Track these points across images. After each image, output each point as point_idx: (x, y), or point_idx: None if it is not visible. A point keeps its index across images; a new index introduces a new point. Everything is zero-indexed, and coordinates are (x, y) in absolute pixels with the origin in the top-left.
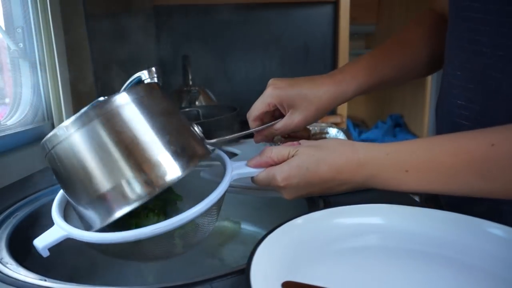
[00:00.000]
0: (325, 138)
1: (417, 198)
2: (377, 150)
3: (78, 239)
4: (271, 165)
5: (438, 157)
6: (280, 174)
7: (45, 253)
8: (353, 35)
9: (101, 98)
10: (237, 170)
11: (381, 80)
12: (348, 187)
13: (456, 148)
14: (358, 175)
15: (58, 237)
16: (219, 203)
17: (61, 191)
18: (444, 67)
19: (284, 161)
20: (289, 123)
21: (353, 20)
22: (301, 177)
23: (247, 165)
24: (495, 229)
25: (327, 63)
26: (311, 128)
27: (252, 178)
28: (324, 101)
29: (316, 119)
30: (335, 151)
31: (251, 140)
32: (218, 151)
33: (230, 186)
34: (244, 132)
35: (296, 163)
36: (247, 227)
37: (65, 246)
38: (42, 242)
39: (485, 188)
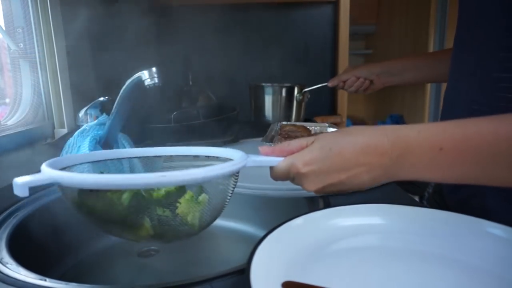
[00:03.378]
0: None
1: (416, 198)
2: (407, 128)
3: (65, 183)
4: (288, 154)
5: (474, 135)
6: (301, 158)
7: (24, 192)
8: (353, 35)
9: (101, 98)
10: (253, 157)
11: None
12: (373, 175)
13: (492, 125)
14: (386, 156)
15: (42, 178)
16: (230, 180)
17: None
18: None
19: (302, 149)
20: None
21: (353, 20)
22: (324, 159)
23: (260, 151)
24: (495, 229)
25: (327, 63)
26: (311, 128)
27: (271, 169)
28: None
29: None
30: (360, 131)
31: (251, 141)
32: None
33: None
34: None
35: (319, 145)
36: (247, 227)
37: (66, 245)
38: (23, 179)
39: None
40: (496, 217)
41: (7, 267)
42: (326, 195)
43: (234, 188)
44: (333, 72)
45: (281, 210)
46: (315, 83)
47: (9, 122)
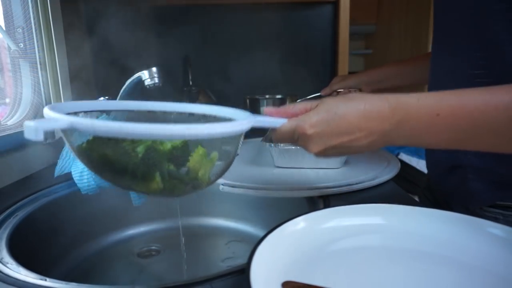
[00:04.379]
0: None
1: (416, 198)
2: (407, 96)
3: (84, 129)
4: (293, 117)
5: (468, 103)
6: (307, 120)
7: (39, 136)
8: (353, 35)
9: (101, 98)
10: (258, 117)
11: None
12: (372, 140)
13: (484, 96)
14: (387, 121)
15: (57, 122)
16: (236, 141)
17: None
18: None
19: (307, 112)
20: None
21: (353, 20)
22: (329, 122)
23: (264, 111)
24: (495, 229)
25: (327, 63)
26: None
27: (274, 130)
28: None
29: None
30: (363, 97)
31: (251, 140)
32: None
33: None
34: None
35: (325, 109)
36: (247, 227)
37: (66, 245)
38: (36, 122)
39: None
40: (480, 198)
41: (7, 267)
42: (327, 195)
43: (239, 148)
44: (333, 72)
45: (281, 210)
46: (315, 83)
47: (9, 122)
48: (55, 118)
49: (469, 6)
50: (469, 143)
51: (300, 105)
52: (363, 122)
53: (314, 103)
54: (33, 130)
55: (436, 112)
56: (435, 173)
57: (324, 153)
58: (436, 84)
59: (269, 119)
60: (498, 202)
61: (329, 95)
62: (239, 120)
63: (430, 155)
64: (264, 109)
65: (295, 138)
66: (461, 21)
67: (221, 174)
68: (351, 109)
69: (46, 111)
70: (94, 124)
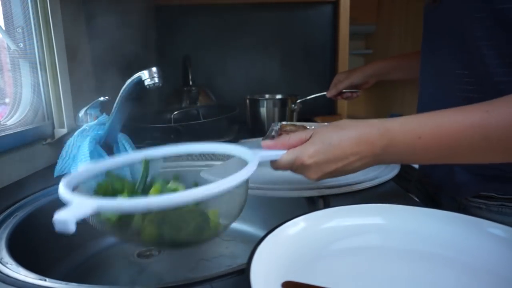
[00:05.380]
0: None
1: (416, 198)
2: (390, 121)
3: (110, 209)
4: (290, 148)
5: (445, 125)
6: (305, 152)
7: (72, 228)
8: (353, 35)
9: (101, 98)
10: (261, 153)
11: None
12: (364, 162)
13: (458, 116)
14: (377, 145)
15: (85, 209)
16: (245, 188)
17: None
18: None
19: (302, 143)
20: None
21: (353, 20)
22: (325, 152)
23: (263, 146)
24: (495, 229)
25: (327, 63)
26: (311, 128)
27: (273, 161)
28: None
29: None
30: (353, 125)
31: (251, 141)
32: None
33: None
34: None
35: (319, 140)
36: (247, 227)
37: (66, 245)
38: (65, 215)
39: (488, 150)
40: (466, 189)
41: (7, 267)
42: (327, 195)
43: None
44: (333, 72)
45: (281, 210)
46: (315, 83)
47: (9, 122)
48: (81, 204)
49: (453, 14)
50: (452, 159)
51: (295, 136)
52: (356, 148)
53: (308, 133)
54: (63, 224)
55: (418, 135)
56: (425, 167)
57: (321, 178)
58: (425, 82)
59: (270, 153)
60: (481, 193)
61: (336, 95)
62: (249, 165)
63: None
64: (262, 143)
65: (294, 168)
66: (447, 26)
67: (237, 215)
68: (343, 138)
69: (66, 194)
70: (120, 205)
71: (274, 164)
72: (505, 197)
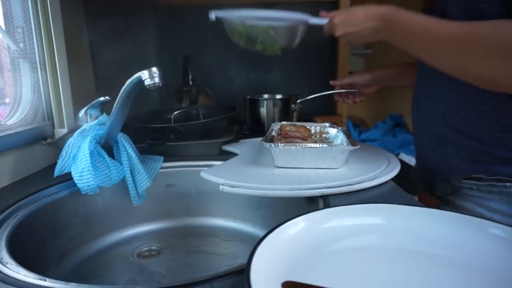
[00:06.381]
0: (325, 137)
1: (416, 198)
2: (401, 10)
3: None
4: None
5: (441, 23)
6: (335, 16)
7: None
8: None
9: (101, 98)
10: (313, 19)
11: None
12: (372, 34)
13: (452, 24)
14: (383, 20)
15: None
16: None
17: None
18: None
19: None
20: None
21: None
22: (347, 15)
23: (321, 15)
24: (495, 229)
25: (327, 63)
26: (311, 128)
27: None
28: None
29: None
30: (368, 5)
31: (251, 140)
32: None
33: (233, 186)
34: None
35: (346, 10)
36: (247, 227)
37: (66, 245)
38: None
39: (471, 47)
40: (460, 172)
41: (7, 267)
42: (327, 195)
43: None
44: (333, 72)
45: (281, 210)
46: (315, 83)
47: (9, 122)
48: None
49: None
50: (439, 55)
51: (335, 12)
52: (368, 20)
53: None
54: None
55: (424, 24)
56: (423, 154)
57: (344, 36)
58: (421, 79)
59: (320, 19)
60: (472, 175)
61: (338, 86)
62: (309, 17)
63: (418, 139)
64: (321, 13)
65: (329, 27)
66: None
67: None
68: (360, 9)
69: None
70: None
71: (324, 26)
72: (493, 177)
